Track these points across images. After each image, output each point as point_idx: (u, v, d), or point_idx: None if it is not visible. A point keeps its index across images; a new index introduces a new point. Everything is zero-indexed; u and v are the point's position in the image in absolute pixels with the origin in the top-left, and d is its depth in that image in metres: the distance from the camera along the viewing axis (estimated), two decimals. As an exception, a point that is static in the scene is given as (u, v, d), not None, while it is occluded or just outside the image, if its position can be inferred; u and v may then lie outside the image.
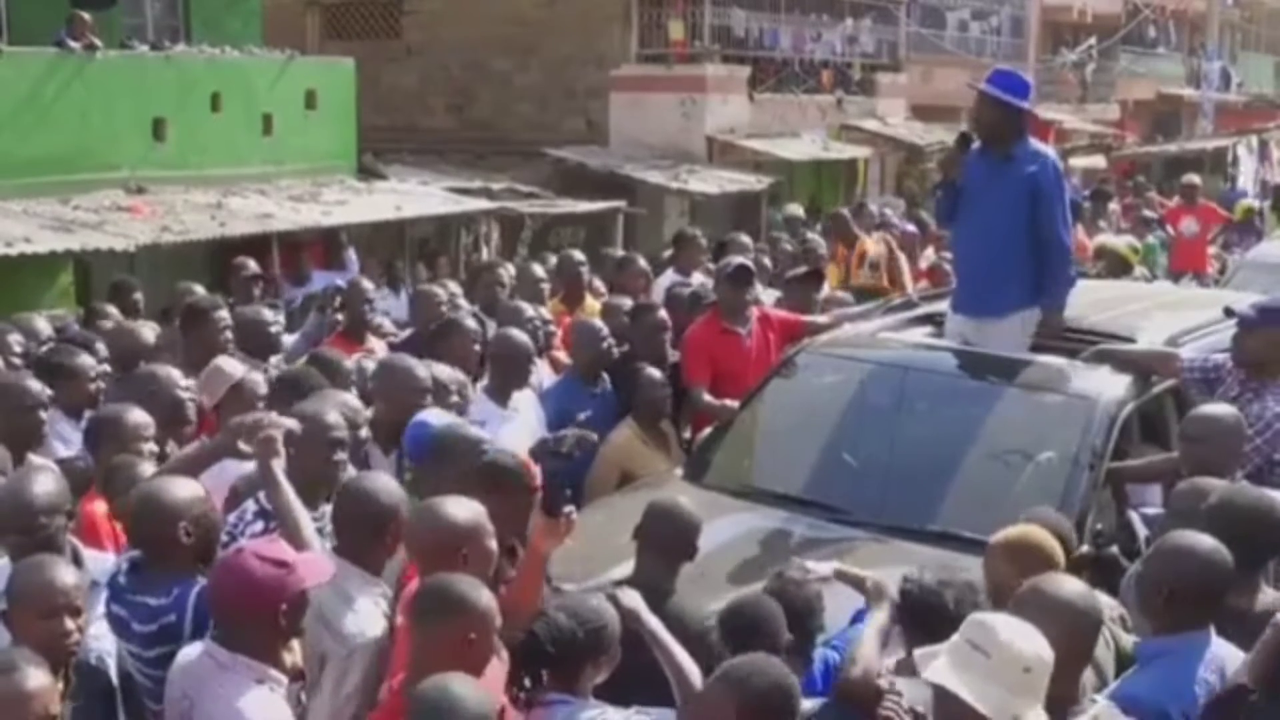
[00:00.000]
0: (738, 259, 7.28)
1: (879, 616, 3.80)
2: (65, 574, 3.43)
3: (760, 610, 3.77)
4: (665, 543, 4.29)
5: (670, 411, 6.45)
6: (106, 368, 5.88)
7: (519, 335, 6.25)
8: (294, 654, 3.48)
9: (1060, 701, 3.13)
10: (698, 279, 8.78)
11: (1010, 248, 5.94)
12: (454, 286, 8.52)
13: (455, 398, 5.63)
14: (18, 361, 6.10)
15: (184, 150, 12.56)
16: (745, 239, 10.59)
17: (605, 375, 6.52)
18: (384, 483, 4.03)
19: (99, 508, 4.48)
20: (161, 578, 3.61)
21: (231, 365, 5.35)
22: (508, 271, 8.66)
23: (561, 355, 7.12)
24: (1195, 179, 15.34)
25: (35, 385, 5.17)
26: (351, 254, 12.15)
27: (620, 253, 10.72)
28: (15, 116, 11.18)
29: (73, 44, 11.71)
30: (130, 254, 10.29)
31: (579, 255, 8.88)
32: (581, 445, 5.32)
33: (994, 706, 2.93)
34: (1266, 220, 16.78)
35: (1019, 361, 5.84)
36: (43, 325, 6.92)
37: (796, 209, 15.36)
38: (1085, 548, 4.71)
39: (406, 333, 7.35)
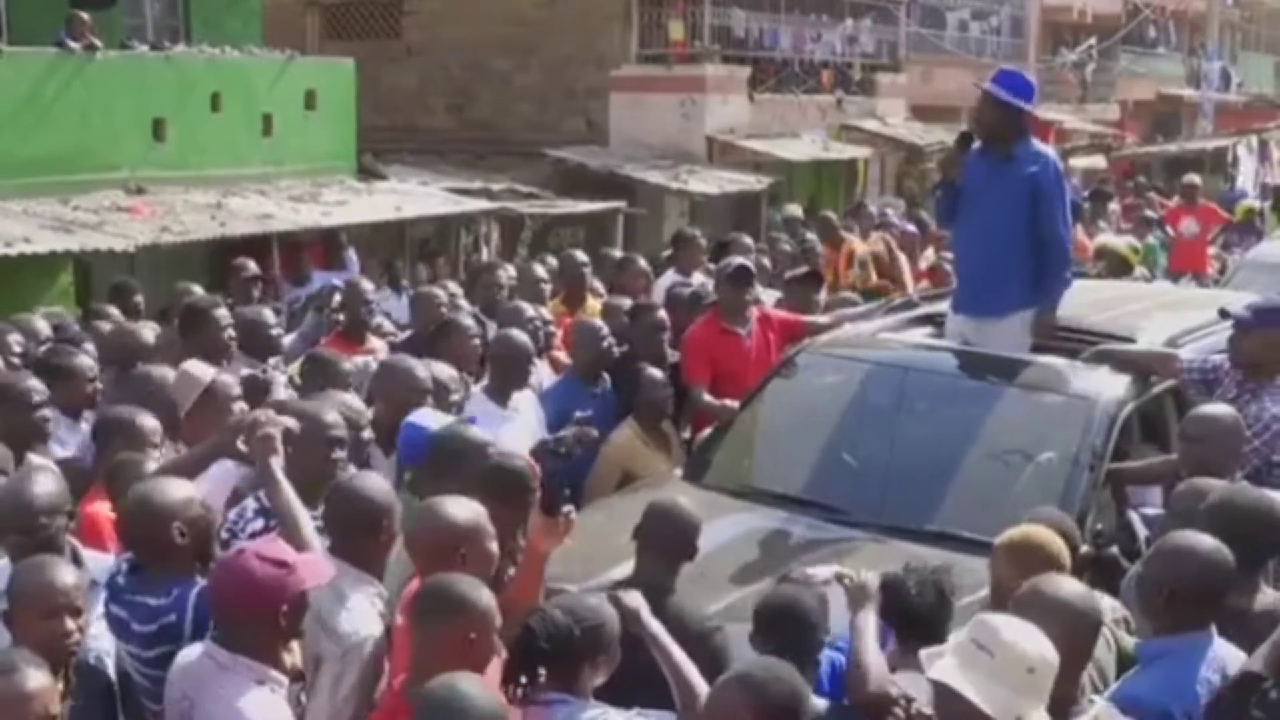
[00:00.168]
0: (737, 259, 7.28)
1: (864, 617, 3.81)
2: (66, 574, 3.43)
3: (800, 605, 3.78)
4: (665, 543, 4.29)
5: (671, 412, 6.45)
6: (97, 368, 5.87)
7: (519, 336, 6.25)
8: (294, 655, 3.48)
9: (1060, 702, 3.13)
10: (698, 279, 8.78)
11: (1010, 248, 5.95)
12: (454, 287, 8.53)
13: (456, 397, 5.63)
14: (17, 361, 6.09)
15: (184, 150, 12.56)
16: (747, 239, 10.60)
17: (606, 375, 6.52)
18: (376, 482, 4.03)
19: (100, 508, 4.47)
20: (161, 578, 3.60)
21: (199, 369, 5.25)
22: (507, 272, 8.66)
23: (562, 355, 7.12)
24: (1195, 179, 15.33)
25: (36, 385, 5.17)
26: (351, 254, 12.15)
27: (620, 253, 10.72)
28: (15, 116, 11.18)
29: (73, 44, 11.72)
30: (130, 254, 10.30)
31: (581, 256, 8.86)
32: (582, 442, 5.32)
33: (998, 706, 2.93)
34: (1266, 220, 16.77)
35: (1019, 362, 5.84)
36: (41, 325, 6.91)
37: (796, 209, 15.36)
38: (1085, 548, 4.71)
39: (406, 333, 7.35)
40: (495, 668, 3.47)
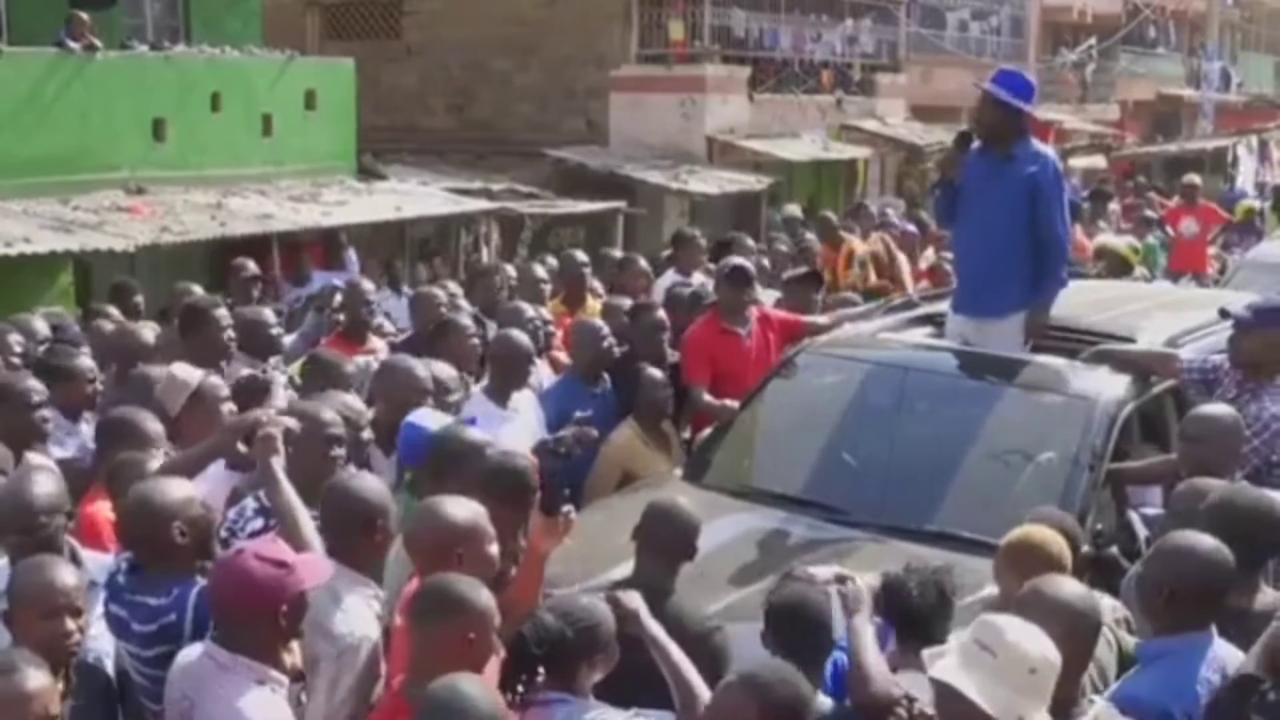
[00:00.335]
0: (734, 259, 7.28)
1: (861, 619, 3.81)
2: (66, 574, 3.43)
3: (812, 604, 3.79)
4: (664, 543, 4.29)
5: (671, 412, 6.45)
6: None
7: (519, 336, 6.25)
8: (294, 655, 3.48)
9: (1061, 703, 3.13)
10: (698, 279, 8.78)
11: (1010, 248, 5.94)
12: (454, 287, 8.53)
13: (456, 396, 5.63)
14: (17, 361, 6.09)
15: (184, 150, 12.56)
16: (748, 240, 10.61)
17: (606, 375, 6.52)
18: (370, 482, 4.03)
19: (101, 508, 4.47)
20: (161, 578, 3.60)
21: (186, 372, 5.23)
22: (507, 273, 8.67)
23: (561, 356, 7.12)
24: (1195, 179, 15.32)
25: (35, 385, 5.17)
26: (351, 254, 12.15)
27: (620, 253, 10.72)
28: (15, 116, 11.18)
29: (73, 44, 11.72)
30: (130, 254, 10.30)
31: (581, 256, 8.86)
32: (581, 442, 5.32)
33: (1000, 707, 2.93)
34: (1266, 220, 16.77)
35: (1019, 362, 5.84)
36: (40, 325, 6.91)
37: (795, 209, 15.36)
38: (1085, 548, 4.71)
39: (406, 333, 7.35)
40: (494, 667, 3.47)
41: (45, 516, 3.80)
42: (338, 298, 7.17)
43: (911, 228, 13.15)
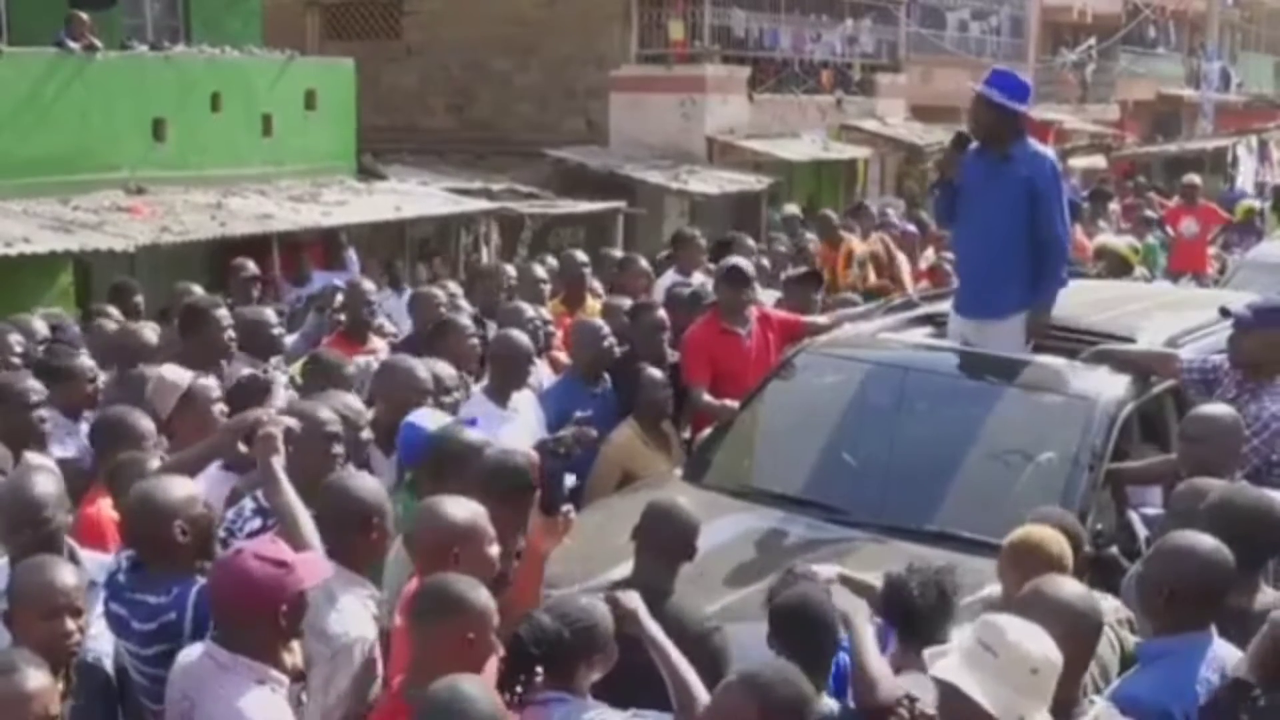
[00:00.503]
0: (733, 259, 7.28)
1: (861, 623, 3.81)
2: (66, 574, 3.44)
3: (817, 605, 3.79)
4: (664, 543, 4.28)
5: (671, 412, 6.45)
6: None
7: (519, 336, 6.25)
8: (295, 654, 3.48)
9: (1062, 703, 3.13)
10: (698, 279, 8.79)
11: (1010, 249, 5.94)
12: (454, 287, 8.53)
13: (456, 395, 5.63)
14: (17, 361, 6.09)
15: (184, 150, 12.56)
16: (749, 240, 10.60)
17: (606, 375, 6.52)
18: (366, 481, 4.03)
19: (101, 508, 4.47)
20: (161, 576, 3.60)
21: (176, 374, 5.23)
22: (507, 273, 8.67)
23: (561, 356, 7.12)
24: (1195, 179, 15.32)
25: (34, 385, 5.17)
26: (352, 254, 12.15)
27: (620, 253, 10.72)
28: (15, 116, 11.18)
29: (73, 44, 11.72)
30: (130, 254, 10.30)
31: (581, 256, 8.87)
32: (581, 442, 5.32)
33: (1001, 706, 2.93)
34: (1266, 220, 16.76)
35: (1018, 362, 5.84)
36: (40, 325, 6.91)
37: (794, 209, 15.37)
38: (1085, 548, 4.71)
39: (406, 333, 7.35)
40: (493, 666, 3.47)
41: (50, 510, 3.82)
42: (339, 298, 7.17)
43: (911, 228, 13.15)
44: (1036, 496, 4.83)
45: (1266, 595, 3.88)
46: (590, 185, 16.29)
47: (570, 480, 4.35)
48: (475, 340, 6.50)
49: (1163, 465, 5.23)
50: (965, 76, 12.48)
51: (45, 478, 3.99)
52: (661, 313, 6.87)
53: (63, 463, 4.92)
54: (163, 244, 10.52)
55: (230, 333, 6.11)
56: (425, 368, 5.48)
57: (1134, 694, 3.47)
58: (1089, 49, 30.34)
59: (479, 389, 6.08)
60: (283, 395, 5.74)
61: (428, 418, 4.85)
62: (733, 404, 6.30)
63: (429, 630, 3.38)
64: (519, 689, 3.46)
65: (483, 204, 14.51)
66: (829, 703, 3.64)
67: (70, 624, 3.36)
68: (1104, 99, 30.95)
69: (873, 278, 11.01)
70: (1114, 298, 7.14)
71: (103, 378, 5.80)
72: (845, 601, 3.95)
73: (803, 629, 3.72)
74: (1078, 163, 24.65)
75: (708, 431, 6.39)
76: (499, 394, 5.98)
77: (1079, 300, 6.25)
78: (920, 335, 6.38)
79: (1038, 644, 3.02)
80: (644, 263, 9.20)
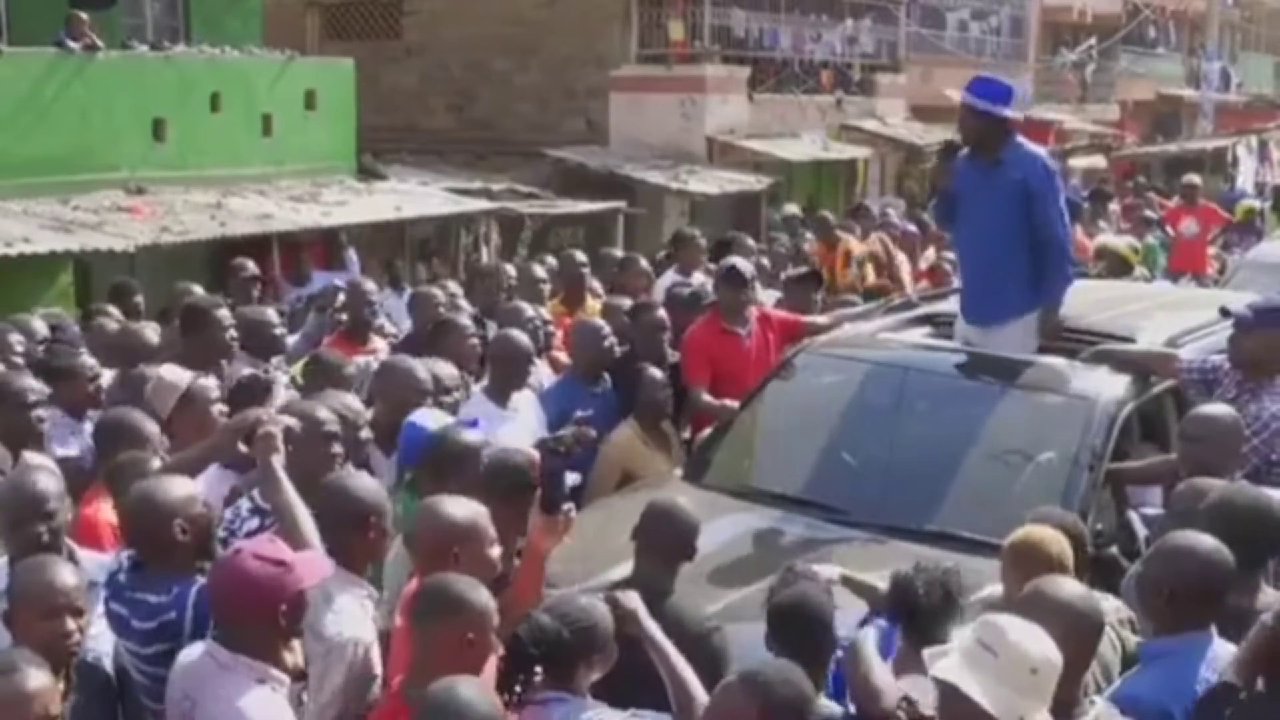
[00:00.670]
0: (731, 260, 7.28)
1: (862, 630, 3.80)
2: (66, 574, 3.44)
3: (815, 604, 3.78)
4: (664, 543, 4.28)
5: (671, 412, 6.45)
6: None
7: (519, 336, 6.25)
8: (295, 654, 3.48)
9: (1062, 703, 3.13)
10: (698, 279, 8.79)
11: (1010, 253, 5.92)
12: (454, 287, 8.53)
13: (456, 395, 5.63)
14: (19, 361, 6.09)
15: (184, 150, 12.57)
16: (749, 240, 10.60)
17: (606, 375, 6.52)
18: (363, 480, 4.03)
19: (99, 510, 4.46)
20: (162, 575, 3.61)
21: (175, 374, 5.22)
22: (508, 274, 8.67)
23: (561, 355, 7.12)
24: (1195, 179, 15.32)
25: (32, 384, 5.17)
26: (352, 254, 12.15)
27: (621, 253, 10.72)
28: (15, 116, 11.18)
29: (73, 44, 11.72)
30: (130, 254, 10.30)
31: (580, 256, 8.87)
32: (580, 441, 5.32)
33: (1002, 707, 2.93)
34: (1266, 220, 16.76)
35: (1018, 362, 5.84)
36: (39, 325, 6.92)
37: (794, 209, 15.38)
38: (1088, 548, 4.70)
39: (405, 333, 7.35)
40: (493, 666, 3.47)
41: (53, 505, 3.83)
42: (340, 298, 7.17)
43: (912, 228, 13.15)
44: (1036, 496, 4.83)
45: (1267, 595, 3.88)
46: (590, 185, 16.29)
47: (573, 479, 4.35)
48: (475, 340, 6.50)
49: (1163, 465, 5.23)
50: (965, 76, 12.48)
51: (46, 475, 4.01)
52: (662, 313, 6.87)
53: (64, 461, 4.92)
54: (163, 244, 10.52)
55: (231, 333, 6.11)
56: (425, 368, 5.48)
57: (1134, 694, 3.47)
58: (1089, 49, 30.35)
59: (479, 389, 6.08)
60: (283, 395, 5.74)
61: (429, 418, 4.85)
62: (733, 404, 6.30)
63: (429, 630, 3.38)
64: (518, 689, 3.46)
65: (483, 204, 14.51)
66: (827, 704, 3.63)
67: (70, 624, 3.36)
68: (1104, 99, 30.96)
69: (871, 277, 11.01)
70: (1114, 298, 7.13)
71: (107, 375, 5.79)
72: (844, 603, 3.96)
73: (800, 629, 3.72)
74: (1078, 163, 24.66)
75: (708, 431, 6.39)
76: (499, 394, 5.99)
77: (1079, 300, 6.24)
78: (920, 335, 6.38)
79: (1038, 644, 3.02)
80: (644, 263, 9.21)
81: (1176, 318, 6.37)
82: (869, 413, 5.92)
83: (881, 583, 4.05)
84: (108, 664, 3.67)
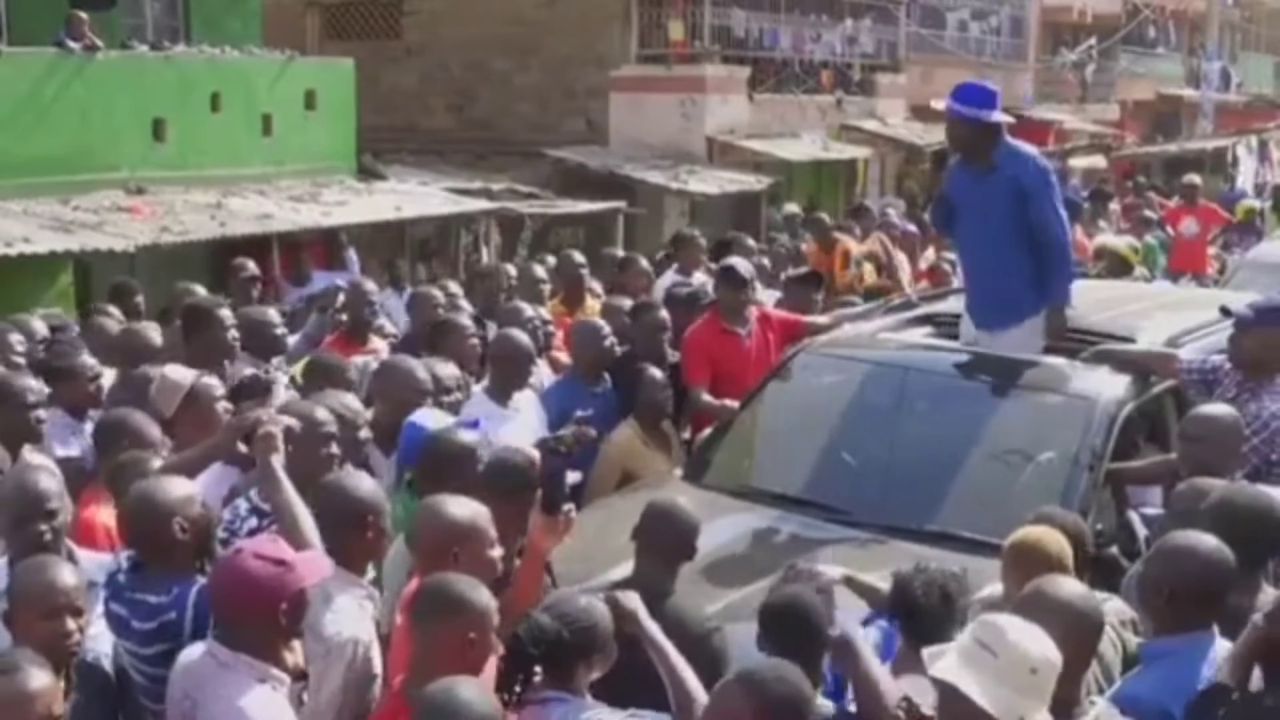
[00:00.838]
0: (729, 260, 7.29)
1: (860, 633, 3.80)
2: (66, 574, 3.44)
3: (805, 605, 3.79)
4: (664, 543, 4.28)
5: (671, 412, 6.45)
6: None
7: (520, 336, 6.25)
8: (296, 654, 3.48)
9: (1062, 703, 3.13)
10: (698, 279, 8.79)
11: (1012, 256, 5.90)
12: (454, 287, 8.53)
13: (457, 395, 5.63)
14: (19, 360, 6.09)
15: (184, 150, 12.57)
16: (749, 240, 10.60)
17: (606, 375, 6.52)
18: (362, 480, 4.03)
19: (97, 513, 4.46)
20: (161, 575, 3.61)
21: (179, 373, 5.22)
22: (508, 274, 8.67)
23: (561, 355, 7.12)
24: (1195, 179, 15.33)
25: (32, 384, 5.17)
26: (352, 254, 12.16)
27: (621, 253, 10.73)
28: (15, 116, 11.19)
29: (73, 44, 11.73)
30: (130, 254, 10.31)
31: (579, 257, 8.88)
32: (580, 440, 5.32)
33: (1001, 707, 2.92)
34: (1266, 220, 16.76)
35: (1018, 362, 5.83)
36: (39, 326, 6.92)
37: (794, 209, 15.38)
38: (1089, 549, 4.70)
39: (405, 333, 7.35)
40: (493, 666, 3.47)
41: (55, 504, 3.84)
42: (340, 298, 7.17)
43: (911, 228, 13.15)
44: (1036, 496, 4.82)
45: (1267, 595, 3.88)
46: (590, 185, 16.30)
47: (574, 477, 4.35)
48: (475, 340, 6.50)
49: (1163, 465, 5.23)
50: (965, 76, 12.52)
51: (47, 474, 4.01)
52: (663, 313, 6.87)
53: (65, 461, 4.92)
54: (163, 244, 10.53)
55: (233, 333, 6.11)
56: (425, 368, 5.48)
57: (1135, 694, 3.47)
58: (1089, 49, 30.35)
59: (480, 389, 6.08)
60: (283, 395, 5.74)
61: (430, 418, 4.85)
62: (733, 404, 6.30)
63: (429, 630, 3.38)
64: (518, 688, 3.46)
65: (483, 204, 14.52)
66: (825, 704, 3.63)
67: (70, 624, 3.36)
68: (1104, 99, 30.96)
69: (869, 277, 11.01)
70: (1114, 298, 7.13)
71: (108, 375, 5.79)
72: (846, 603, 3.95)
73: (791, 630, 3.71)
74: (1078, 163, 24.67)
75: (708, 431, 6.39)
76: (500, 394, 5.99)
77: (1079, 300, 6.23)
78: (920, 335, 6.37)
79: (1037, 644, 3.02)
80: (644, 263, 9.21)
81: (1176, 318, 6.37)
82: (869, 413, 5.92)
83: (882, 583, 4.05)
84: (107, 664, 3.66)
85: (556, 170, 16.88)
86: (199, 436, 4.58)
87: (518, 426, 5.75)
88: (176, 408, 5.07)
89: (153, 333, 6.50)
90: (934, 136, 20.17)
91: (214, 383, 5.25)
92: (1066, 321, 5.96)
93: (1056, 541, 3.91)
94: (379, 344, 6.97)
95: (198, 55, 13.29)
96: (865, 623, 4.09)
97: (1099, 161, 25.58)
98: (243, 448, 4.08)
